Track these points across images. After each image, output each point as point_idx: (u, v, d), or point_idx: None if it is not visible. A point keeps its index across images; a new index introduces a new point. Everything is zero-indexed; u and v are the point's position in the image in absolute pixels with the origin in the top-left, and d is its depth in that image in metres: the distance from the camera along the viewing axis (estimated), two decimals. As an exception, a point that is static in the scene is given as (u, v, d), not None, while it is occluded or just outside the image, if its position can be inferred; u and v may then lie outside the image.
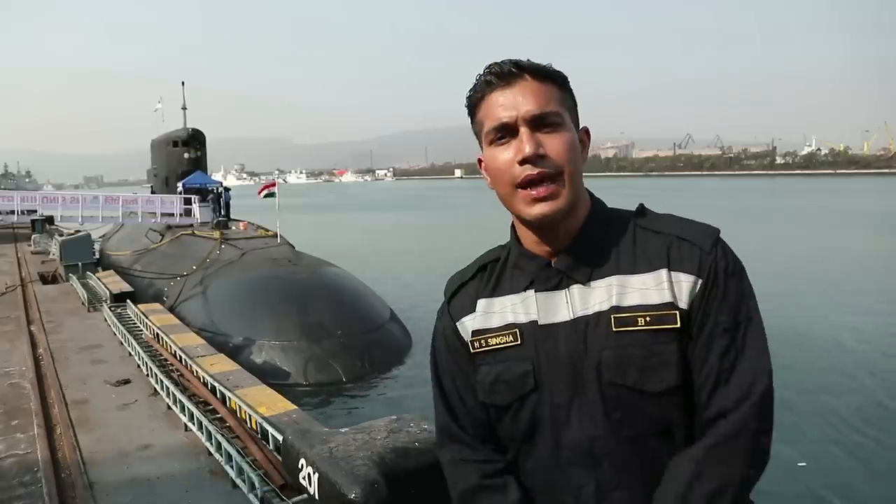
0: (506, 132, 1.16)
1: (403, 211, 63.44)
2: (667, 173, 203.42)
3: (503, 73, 1.16)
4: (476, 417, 1.32)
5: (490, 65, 1.18)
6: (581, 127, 1.23)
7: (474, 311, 1.31)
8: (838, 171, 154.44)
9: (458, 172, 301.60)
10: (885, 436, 8.29)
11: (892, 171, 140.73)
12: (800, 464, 7.34)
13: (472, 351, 1.29)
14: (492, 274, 1.32)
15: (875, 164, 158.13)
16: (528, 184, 1.14)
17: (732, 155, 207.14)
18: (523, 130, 1.14)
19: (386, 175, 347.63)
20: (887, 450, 7.91)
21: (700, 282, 1.13)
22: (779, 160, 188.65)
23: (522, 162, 1.13)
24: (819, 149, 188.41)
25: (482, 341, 1.27)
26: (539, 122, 1.14)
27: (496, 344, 1.25)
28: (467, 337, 1.31)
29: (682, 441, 1.16)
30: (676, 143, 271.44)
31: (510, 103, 1.14)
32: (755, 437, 1.09)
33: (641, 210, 1.26)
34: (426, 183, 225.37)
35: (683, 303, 1.13)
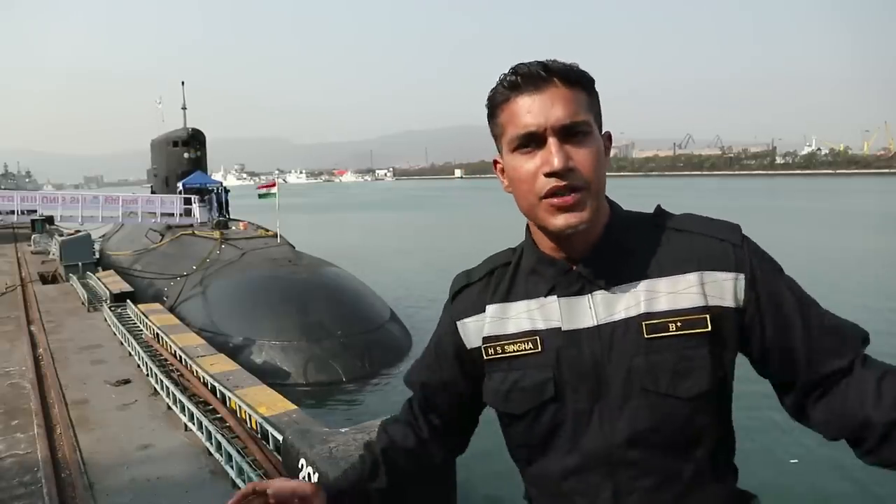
0: (532, 141, 1.10)
1: (403, 211, 63.45)
2: (667, 173, 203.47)
3: (531, 76, 1.09)
4: (424, 387, 1.40)
5: (517, 66, 1.12)
6: (604, 132, 1.19)
7: (480, 313, 1.28)
8: (838, 171, 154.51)
9: (458, 172, 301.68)
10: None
11: (892, 171, 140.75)
12: (791, 461, 7.36)
13: (485, 357, 1.26)
14: (502, 278, 1.28)
15: (875, 164, 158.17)
16: (552, 194, 1.10)
17: (732, 155, 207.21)
18: (552, 141, 1.08)
19: (386, 175, 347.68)
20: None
21: (742, 276, 1.11)
22: (779, 160, 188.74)
23: (550, 174, 1.08)
24: (819, 149, 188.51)
25: (497, 348, 1.24)
26: (568, 132, 1.09)
27: (514, 351, 1.21)
28: (467, 339, 1.29)
29: (704, 451, 1.14)
30: (676, 143, 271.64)
31: (538, 110, 1.08)
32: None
33: (660, 211, 1.24)
34: (426, 183, 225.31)
35: (727, 301, 1.11)
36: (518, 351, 1.21)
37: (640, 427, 1.13)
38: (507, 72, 1.14)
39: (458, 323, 1.31)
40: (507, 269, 1.28)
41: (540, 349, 1.19)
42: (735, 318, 1.11)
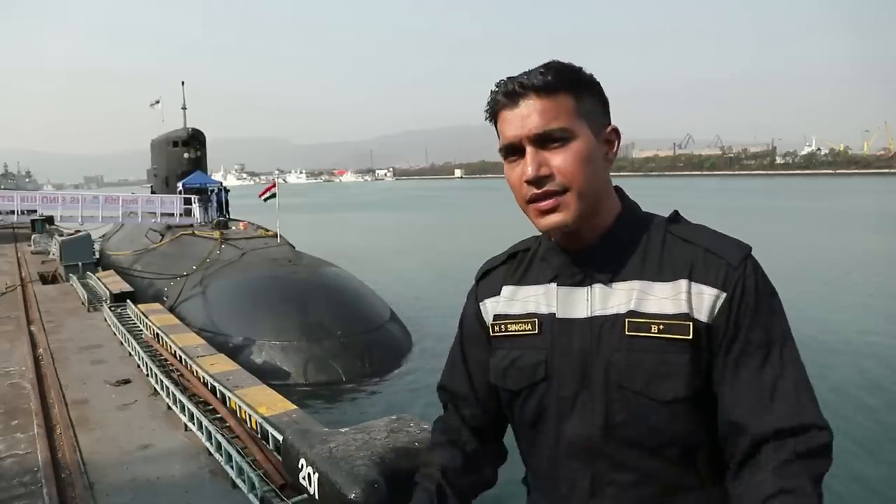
0: (514, 151, 1.18)
1: (403, 211, 63.44)
2: (667, 173, 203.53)
3: (508, 93, 1.17)
4: (467, 388, 1.43)
5: (499, 82, 1.20)
6: (610, 127, 1.22)
7: (498, 295, 1.35)
8: (838, 171, 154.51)
9: (457, 172, 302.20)
10: (880, 433, 8.31)
11: (892, 171, 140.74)
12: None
13: (491, 334, 1.34)
14: (521, 262, 1.36)
15: (875, 164, 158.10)
16: (533, 199, 1.17)
17: (732, 155, 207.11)
18: (528, 150, 1.15)
19: (386, 175, 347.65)
20: (881, 447, 7.92)
21: (724, 296, 1.11)
22: (779, 160, 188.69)
23: (527, 182, 1.16)
24: (819, 149, 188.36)
25: (502, 326, 1.31)
26: (543, 140, 1.14)
27: (515, 330, 1.28)
28: (488, 319, 1.37)
29: (686, 455, 1.15)
30: (676, 143, 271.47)
31: (517, 122, 1.15)
32: (816, 456, 1.04)
33: (675, 217, 1.25)
34: (426, 183, 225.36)
35: (703, 315, 1.12)
36: (520, 331, 1.28)
37: (616, 421, 1.15)
38: (494, 87, 1.21)
39: (480, 304, 1.40)
40: (527, 254, 1.36)
41: (538, 331, 1.25)
42: (706, 332, 1.12)
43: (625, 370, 1.14)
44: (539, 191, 1.14)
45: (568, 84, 1.16)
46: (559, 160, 1.14)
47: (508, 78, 1.18)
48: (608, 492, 1.18)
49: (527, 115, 1.14)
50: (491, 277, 1.40)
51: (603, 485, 1.18)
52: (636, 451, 1.15)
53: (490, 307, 1.36)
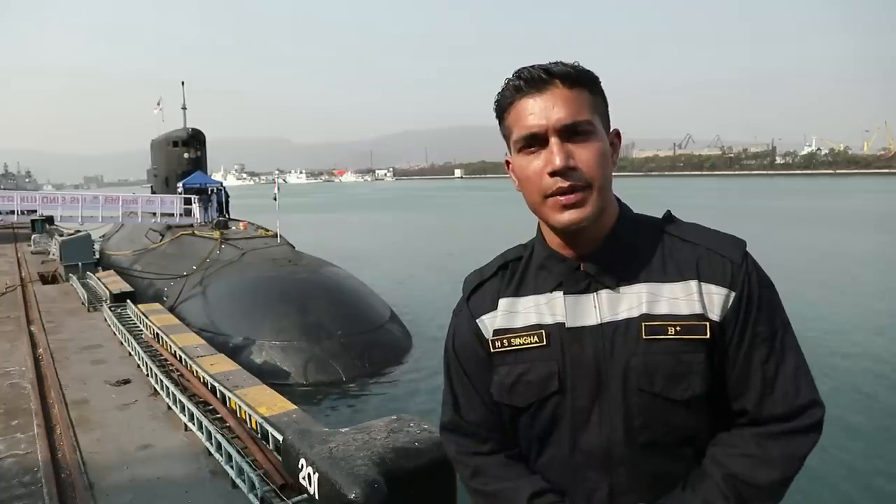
0: (535, 141, 1.14)
1: (403, 211, 63.45)
2: (667, 173, 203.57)
3: (533, 80, 1.13)
4: (484, 415, 1.33)
5: (520, 70, 1.16)
6: (612, 129, 1.22)
7: (495, 309, 1.30)
8: (838, 171, 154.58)
9: (457, 172, 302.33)
10: (879, 433, 8.30)
11: (892, 171, 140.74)
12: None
13: (491, 350, 1.28)
14: (514, 273, 1.31)
15: (875, 164, 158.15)
16: (556, 192, 1.13)
17: (732, 155, 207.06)
18: (553, 141, 1.12)
19: (386, 175, 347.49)
20: (880, 447, 7.92)
21: (734, 294, 1.14)
22: (779, 160, 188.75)
23: (553, 174, 1.12)
24: (819, 149, 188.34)
25: (504, 341, 1.26)
26: (570, 132, 1.12)
27: (520, 344, 1.24)
28: (487, 335, 1.30)
29: (695, 451, 1.17)
30: (676, 143, 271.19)
31: (540, 111, 1.12)
32: (807, 435, 1.14)
33: (669, 217, 1.26)
34: (426, 183, 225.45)
35: (715, 314, 1.14)
36: (524, 344, 1.23)
37: (636, 426, 1.15)
38: (511, 76, 1.17)
39: (477, 321, 1.32)
40: (519, 264, 1.31)
41: (546, 343, 1.21)
42: (719, 330, 1.14)
43: (643, 374, 1.14)
44: (565, 183, 1.11)
45: (586, 79, 1.16)
46: (584, 153, 1.12)
47: (529, 66, 1.15)
48: (627, 500, 1.17)
49: (553, 105, 1.11)
50: (482, 292, 1.33)
51: (622, 492, 1.17)
52: (656, 455, 1.16)
53: (488, 323, 1.30)
